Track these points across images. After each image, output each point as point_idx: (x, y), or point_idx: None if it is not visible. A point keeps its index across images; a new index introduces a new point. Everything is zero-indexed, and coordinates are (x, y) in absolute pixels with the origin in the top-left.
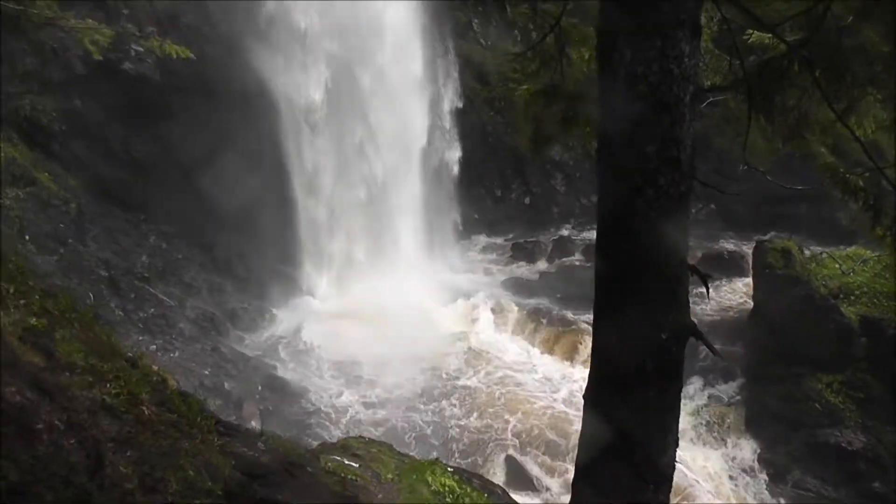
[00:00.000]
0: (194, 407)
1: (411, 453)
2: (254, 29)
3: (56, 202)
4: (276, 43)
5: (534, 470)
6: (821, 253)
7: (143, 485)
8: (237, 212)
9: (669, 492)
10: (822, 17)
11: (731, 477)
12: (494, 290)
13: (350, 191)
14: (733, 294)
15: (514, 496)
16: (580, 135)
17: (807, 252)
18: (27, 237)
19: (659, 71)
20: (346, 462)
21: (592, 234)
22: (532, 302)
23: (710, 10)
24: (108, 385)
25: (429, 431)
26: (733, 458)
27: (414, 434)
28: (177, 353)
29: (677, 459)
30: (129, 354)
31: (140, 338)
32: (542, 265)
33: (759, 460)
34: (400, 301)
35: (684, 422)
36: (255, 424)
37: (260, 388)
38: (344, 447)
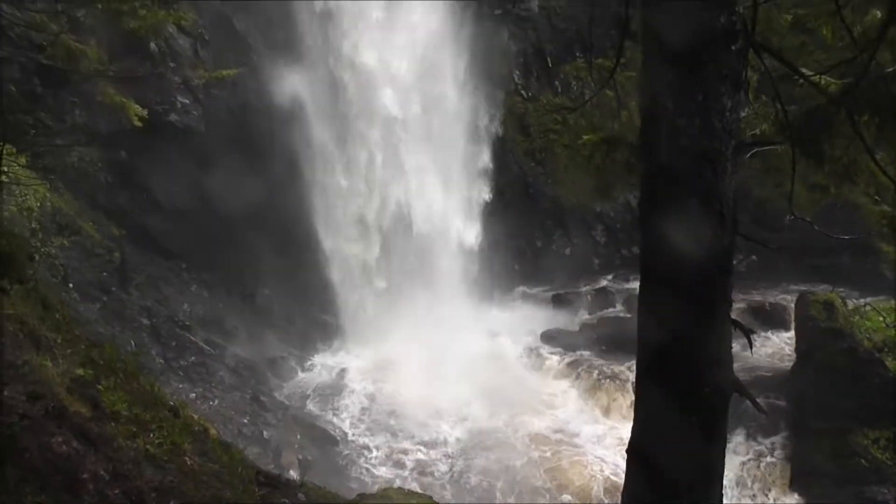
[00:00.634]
0: (235, 457)
1: None
2: (299, 82)
3: (100, 251)
4: (321, 95)
5: None
6: (864, 305)
7: None
8: (278, 260)
9: None
10: (865, 67)
11: None
12: (535, 340)
13: (391, 240)
14: (776, 346)
15: None
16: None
17: (850, 304)
18: (71, 285)
19: (701, 124)
20: None
21: (633, 286)
22: (572, 353)
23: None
24: (152, 435)
25: (469, 483)
26: None
27: (453, 485)
28: (216, 402)
29: None
30: (172, 403)
31: (180, 385)
32: (582, 316)
33: None
34: (439, 350)
35: (728, 477)
36: (294, 474)
37: (299, 436)
38: (384, 498)
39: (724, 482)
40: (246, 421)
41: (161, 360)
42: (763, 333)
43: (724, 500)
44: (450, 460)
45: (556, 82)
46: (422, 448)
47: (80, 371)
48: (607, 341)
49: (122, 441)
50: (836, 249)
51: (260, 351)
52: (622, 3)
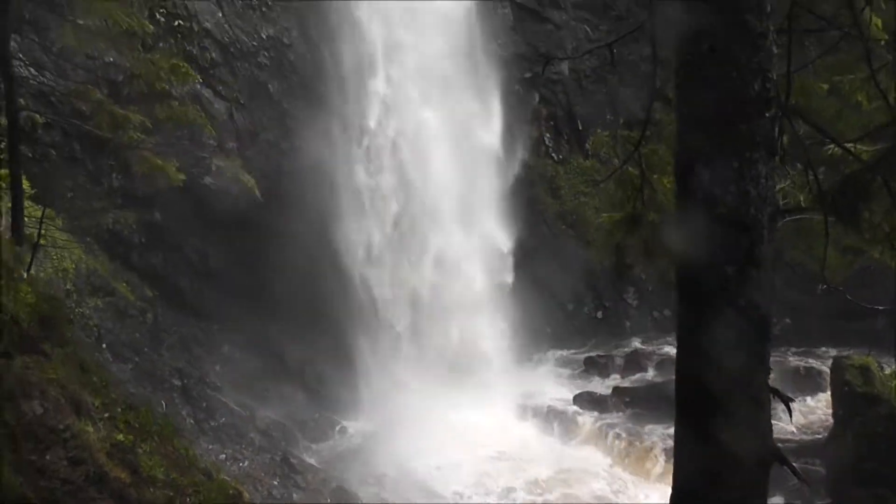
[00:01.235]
0: None
1: None
2: (330, 144)
3: (133, 312)
4: (351, 159)
5: None
6: None
7: None
8: (310, 322)
9: None
10: None
11: None
12: (567, 404)
13: (421, 306)
14: (812, 412)
15: None
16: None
17: (886, 369)
18: (104, 345)
19: (736, 192)
20: None
21: (665, 348)
22: (605, 416)
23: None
24: (189, 499)
25: None
26: None
27: None
28: (246, 463)
29: None
30: (205, 466)
31: (210, 446)
32: (614, 379)
33: None
34: (471, 414)
35: None
36: None
37: (328, 500)
38: None
39: None
40: (276, 483)
41: (191, 421)
42: (798, 398)
43: None
44: None
45: (587, 145)
46: None
47: (119, 436)
48: (640, 405)
49: None
50: (871, 313)
51: (290, 412)
52: (651, 70)
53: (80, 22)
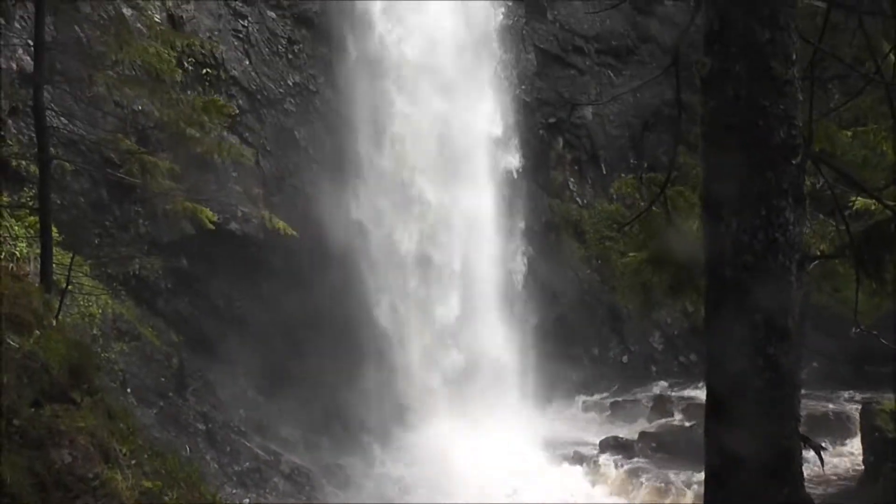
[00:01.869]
0: None
1: None
2: (356, 190)
3: (159, 357)
4: (378, 207)
5: None
6: None
7: None
8: (336, 367)
9: None
10: None
11: None
12: (593, 448)
13: (449, 351)
14: (841, 457)
15: None
16: (689, 301)
17: None
18: (129, 390)
19: (764, 240)
20: None
21: (692, 393)
22: (632, 461)
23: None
24: None
25: None
26: None
27: None
28: None
29: None
30: None
31: (234, 491)
32: (641, 424)
33: None
34: (496, 459)
35: None
36: None
37: None
38: None
39: None
40: None
41: (215, 465)
42: (827, 444)
43: None
44: None
45: (611, 189)
46: None
47: (147, 483)
48: (667, 450)
49: None
50: None
51: (316, 458)
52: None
53: (110, 72)
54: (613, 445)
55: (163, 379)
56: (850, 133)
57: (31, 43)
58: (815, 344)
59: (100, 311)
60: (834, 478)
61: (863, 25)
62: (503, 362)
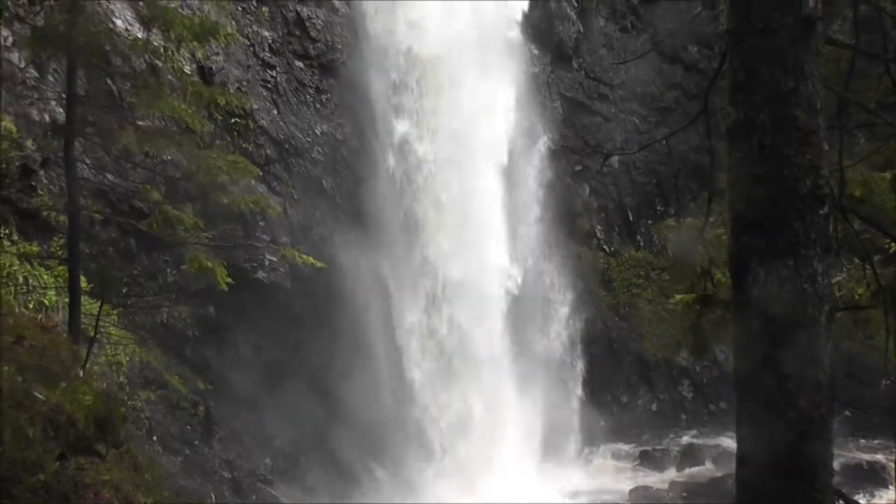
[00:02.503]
0: None
1: None
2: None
3: (185, 405)
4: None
5: None
6: None
7: None
8: (363, 416)
9: None
10: None
11: None
12: (622, 497)
13: (475, 399)
14: None
15: None
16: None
17: None
18: (155, 438)
19: (793, 290)
20: None
21: (722, 441)
22: None
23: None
24: None
25: None
26: None
27: None
28: None
29: None
30: None
31: None
32: (671, 473)
33: None
34: None
35: None
36: None
37: None
38: None
39: None
40: None
41: None
42: (861, 495)
43: None
44: None
45: (638, 236)
46: None
47: None
48: (698, 499)
49: None
50: None
51: None
52: (702, 165)
53: (141, 123)
54: (643, 495)
55: (189, 427)
56: (886, 176)
57: (63, 95)
58: (848, 392)
59: (127, 358)
60: None
61: (889, 71)
62: (527, 410)
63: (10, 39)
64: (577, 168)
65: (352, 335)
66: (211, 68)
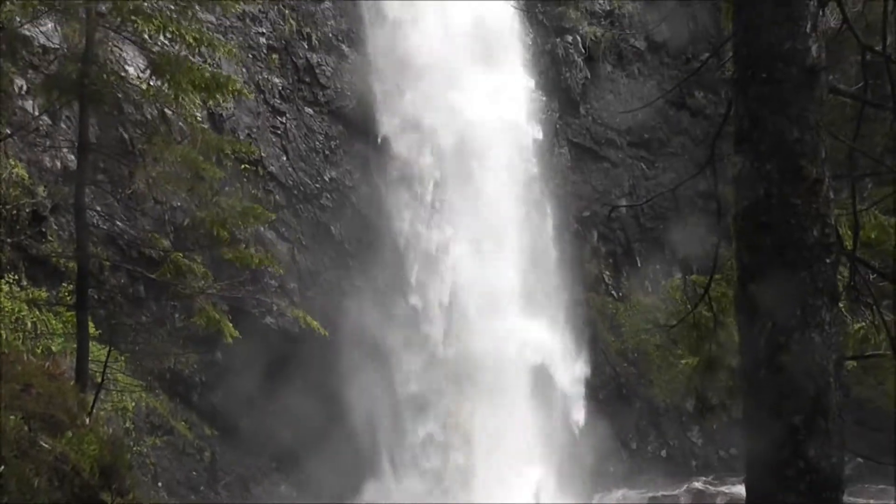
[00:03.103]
0: None
1: None
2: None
3: (191, 450)
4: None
5: None
6: None
7: None
8: (366, 462)
9: None
10: None
11: None
12: None
13: (482, 443)
14: None
15: None
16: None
17: None
18: (160, 484)
19: (801, 340)
20: None
21: (733, 488)
22: None
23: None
24: None
25: None
26: None
27: None
28: None
29: None
30: None
31: None
32: None
33: None
34: None
35: None
36: None
37: None
38: None
39: None
40: None
41: None
42: None
43: None
44: None
45: (647, 281)
46: None
47: None
48: None
49: None
50: None
51: None
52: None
53: (150, 169)
54: None
55: (194, 473)
56: None
57: (75, 143)
58: (860, 440)
59: (133, 404)
60: None
61: None
62: (540, 459)
63: (25, 87)
64: (585, 214)
65: (364, 380)
66: (221, 115)
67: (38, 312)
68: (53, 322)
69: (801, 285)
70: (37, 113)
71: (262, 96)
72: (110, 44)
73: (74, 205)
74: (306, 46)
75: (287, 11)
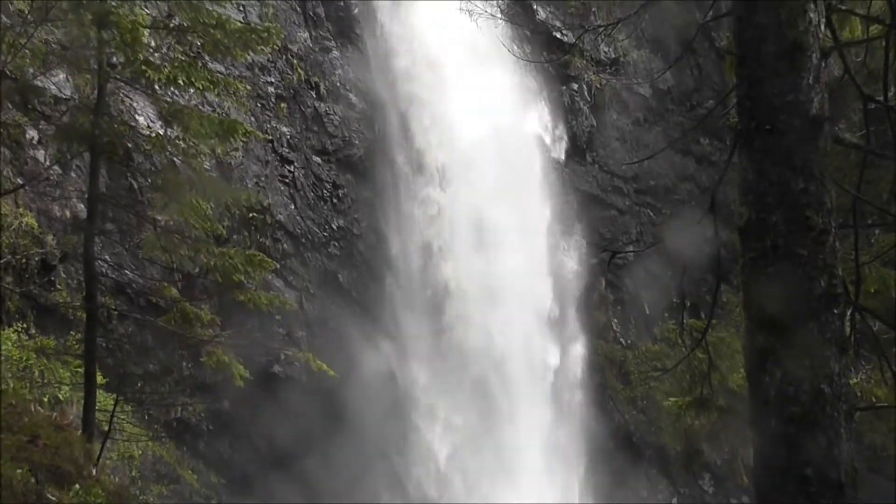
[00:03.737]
0: None
1: None
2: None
3: (198, 499)
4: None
5: None
6: None
7: None
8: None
9: None
10: None
11: None
12: None
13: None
14: None
15: None
16: (731, 447)
17: None
18: None
19: (810, 391)
20: None
21: None
22: None
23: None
24: None
25: None
26: None
27: None
28: None
29: None
30: None
31: None
32: None
33: None
34: None
35: None
36: None
37: None
38: None
39: None
40: None
41: None
42: None
43: None
44: None
45: (655, 329)
46: None
47: None
48: None
49: None
50: None
51: None
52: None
53: (160, 218)
54: None
55: None
56: None
57: (85, 192)
58: (873, 488)
59: (140, 452)
60: None
61: None
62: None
63: (36, 138)
64: (594, 261)
65: (373, 428)
66: (230, 163)
67: (45, 361)
68: (61, 370)
69: (809, 336)
70: (48, 163)
71: (270, 145)
72: (121, 94)
73: (83, 254)
74: (314, 95)
75: (295, 61)
